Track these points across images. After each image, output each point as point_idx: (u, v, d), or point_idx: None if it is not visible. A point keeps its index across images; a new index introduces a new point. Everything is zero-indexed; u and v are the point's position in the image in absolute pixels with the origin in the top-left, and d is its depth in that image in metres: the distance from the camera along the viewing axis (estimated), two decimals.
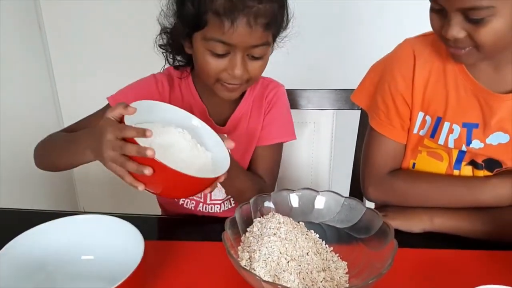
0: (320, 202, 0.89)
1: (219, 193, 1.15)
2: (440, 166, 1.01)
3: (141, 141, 0.71)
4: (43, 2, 1.87)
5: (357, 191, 1.19)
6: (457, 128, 0.95)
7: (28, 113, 1.86)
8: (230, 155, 0.84)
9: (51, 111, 2.04)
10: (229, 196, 1.15)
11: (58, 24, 1.91)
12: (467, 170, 1.00)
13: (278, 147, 1.15)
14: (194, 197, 1.14)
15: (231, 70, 0.92)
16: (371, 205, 1.05)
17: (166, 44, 1.04)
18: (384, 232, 0.80)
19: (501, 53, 0.87)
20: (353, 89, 1.10)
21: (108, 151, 0.74)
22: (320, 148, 1.34)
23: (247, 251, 0.79)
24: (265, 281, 0.67)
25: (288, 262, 0.76)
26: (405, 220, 0.96)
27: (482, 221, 0.93)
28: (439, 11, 0.83)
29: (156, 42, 1.04)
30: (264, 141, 1.12)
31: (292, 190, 0.90)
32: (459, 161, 0.99)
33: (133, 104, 0.77)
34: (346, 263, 0.83)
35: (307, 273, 0.76)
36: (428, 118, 0.98)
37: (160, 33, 1.03)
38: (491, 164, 0.97)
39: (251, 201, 0.86)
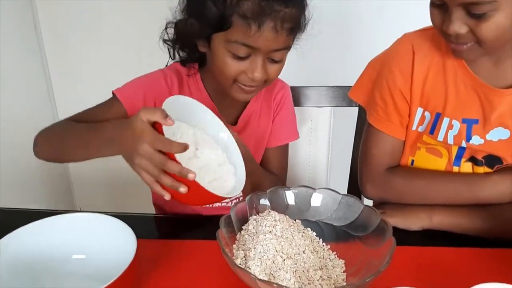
0: (316, 200, 0.89)
1: None
2: (440, 163, 1.00)
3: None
4: (39, 2, 1.86)
5: (355, 189, 1.18)
6: (456, 124, 0.94)
7: (24, 112, 1.85)
8: (246, 147, 0.83)
9: (47, 111, 2.02)
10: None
11: (54, 24, 1.90)
12: (467, 167, 0.99)
13: (287, 146, 1.20)
14: None
15: (251, 73, 0.92)
16: (369, 202, 1.04)
17: (173, 40, 1.02)
18: (382, 229, 0.79)
19: (501, 48, 0.86)
20: (351, 86, 1.10)
21: (142, 160, 0.71)
22: (317, 146, 1.34)
23: (242, 249, 0.78)
24: (260, 280, 0.65)
25: (284, 260, 0.75)
26: (403, 218, 0.95)
27: (482, 218, 0.92)
28: (439, 6, 0.82)
29: (161, 37, 1.02)
30: (274, 142, 1.15)
31: (288, 188, 0.89)
32: (458, 157, 0.98)
33: (170, 99, 0.75)
34: (344, 261, 0.82)
35: (303, 271, 0.76)
36: (427, 114, 0.97)
37: (166, 28, 1.01)
38: (492, 160, 0.96)
39: (247, 198, 0.85)
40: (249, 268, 0.73)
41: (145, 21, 1.75)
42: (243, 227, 0.83)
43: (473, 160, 0.98)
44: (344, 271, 0.79)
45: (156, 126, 0.72)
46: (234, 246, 0.80)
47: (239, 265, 0.71)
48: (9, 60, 1.72)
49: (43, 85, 1.98)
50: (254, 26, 0.86)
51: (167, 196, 0.73)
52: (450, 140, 0.96)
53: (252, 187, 1.01)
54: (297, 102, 1.27)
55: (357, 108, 1.27)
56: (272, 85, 1.11)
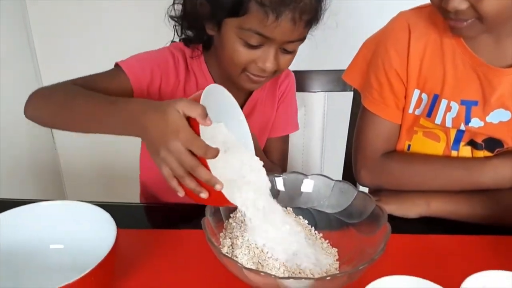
0: (308, 186, 0.86)
1: None
2: (437, 147, 0.98)
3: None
4: (29, 2, 1.82)
5: (350, 176, 1.15)
6: (455, 106, 0.91)
7: (13, 106, 1.81)
8: (253, 134, 0.80)
9: None
10: None
11: (44, 23, 1.86)
12: (466, 151, 0.96)
13: (288, 137, 1.19)
14: None
15: (262, 63, 0.89)
16: (364, 190, 1.01)
17: (180, 16, 0.98)
18: (376, 216, 0.76)
19: (502, 25, 0.83)
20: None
21: (169, 156, 0.65)
22: (311, 132, 1.31)
23: (229, 238, 0.75)
24: (246, 269, 0.62)
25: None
26: (400, 205, 0.93)
27: (481, 204, 0.90)
28: None
29: (167, 12, 0.97)
30: (277, 132, 1.14)
31: (279, 174, 0.86)
32: (457, 141, 0.96)
33: (212, 88, 0.69)
34: (337, 249, 0.79)
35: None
36: (424, 95, 0.94)
37: (174, 3, 0.97)
38: (492, 143, 0.93)
39: None
40: (236, 257, 0.70)
41: (139, 20, 1.74)
42: (231, 215, 0.80)
43: (472, 143, 0.95)
44: (337, 260, 0.76)
45: (191, 122, 0.66)
46: (221, 234, 0.77)
47: (225, 254, 0.68)
48: None
49: (33, 81, 1.94)
50: (272, 15, 0.82)
51: (181, 193, 0.68)
52: (448, 123, 0.93)
53: None
54: None
55: (351, 93, 1.24)
56: None
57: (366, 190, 1.09)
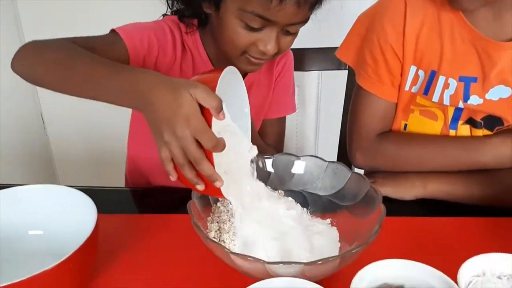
0: (299, 168, 0.83)
1: None
2: (435, 126, 0.96)
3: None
4: (20, 2, 1.79)
5: (345, 159, 1.13)
6: (453, 83, 0.89)
7: (2, 95, 1.79)
8: (254, 124, 0.77)
9: (29, 96, 1.97)
10: None
11: (35, 19, 1.82)
12: (464, 130, 0.95)
13: (285, 119, 1.17)
14: None
15: (263, 45, 0.85)
16: (359, 172, 0.99)
17: None
18: (371, 198, 0.74)
19: None
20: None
21: (174, 142, 0.60)
22: (305, 113, 1.29)
23: (217, 222, 0.72)
24: (234, 254, 0.60)
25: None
26: (396, 187, 0.92)
27: (480, 185, 0.88)
28: None
29: None
30: (274, 113, 1.12)
31: (269, 156, 0.83)
32: (455, 119, 0.94)
33: (230, 71, 0.66)
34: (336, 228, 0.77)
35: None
36: (421, 72, 0.92)
37: None
38: (491, 121, 0.91)
39: None
40: (224, 242, 0.68)
41: (132, 15, 1.69)
42: (219, 199, 0.77)
43: (471, 122, 0.93)
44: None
45: (204, 111, 0.61)
46: (208, 218, 0.74)
47: (212, 239, 0.65)
48: None
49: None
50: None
51: (174, 178, 0.65)
52: (446, 101, 0.91)
53: None
54: None
55: (346, 72, 1.21)
56: None
57: (361, 172, 1.06)
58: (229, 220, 0.71)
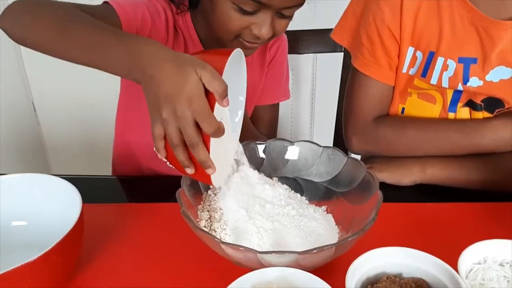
0: (293, 153, 0.82)
1: None
2: (433, 109, 0.94)
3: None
4: None
5: (341, 145, 1.11)
6: (452, 64, 0.87)
7: None
8: (246, 113, 0.75)
9: (19, 85, 1.94)
10: None
11: None
12: (464, 112, 0.93)
13: (278, 105, 1.16)
14: None
15: (257, 29, 0.82)
16: (356, 158, 0.97)
17: None
18: (367, 183, 0.72)
19: None
20: None
21: (172, 120, 0.57)
22: (299, 97, 1.27)
23: (208, 210, 0.70)
24: (224, 243, 0.58)
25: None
26: (393, 172, 0.91)
27: (480, 169, 0.87)
28: None
29: None
30: (266, 100, 1.10)
31: (262, 142, 0.81)
32: (454, 102, 0.92)
33: (238, 54, 0.64)
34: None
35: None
36: (419, 53, 0.90)
37: None
38: (492, 103, 0.90)
39: None
40: (215, 231, 0.67)
41: None
42: (210, 187, 0.75)
43: (470, 104, 0.92)
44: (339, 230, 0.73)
45: (208, 94, 0.59)
46: (199, 207, 0.72)
47: (201, 228, 0.63)
48: None
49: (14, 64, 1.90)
50: None
51: (163, 155, 0.62)
52: (445, 83, 0.89)
53: None
54: None
55: (342, 54, 1.19)
56: None
57: (358, 157, 1.06)
58: (221, 209, 0.69)
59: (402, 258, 0.58)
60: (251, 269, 0.55)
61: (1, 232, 0.71)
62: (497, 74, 0.85)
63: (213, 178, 0.62)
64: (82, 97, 1.95)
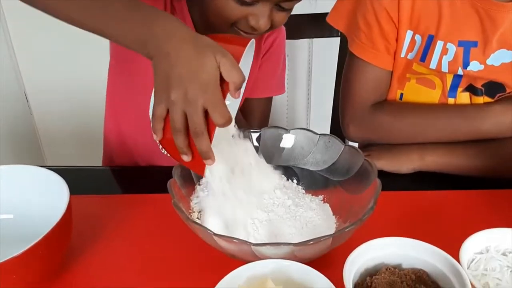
0: (289, 141, 0.80)
1: None
2: (433, 95, 0.93)
3: None
4: None
5: (338, 133, 1.10)
6: (452, 48, 0.86)
7: None
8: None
9: (11, 75, 1.93)
10: None
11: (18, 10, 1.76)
12: (464, 97, 0.92)
13: (270, 100, 1.15)
14: None
15: (255, 21, 0.80)
16: (354, 145, 0.97)
17: None
18: (365, 172, 0.71)
19: None
20: None
21: (179, 103, 0.56)
22: (295, 84, 1.26)
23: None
24: (217, 235, 0.57)
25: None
26: (391, 159, 0.90)
27: (480, 156, 0.87)
28: None
29: None
30: (260, 93, 1.09)
31: (256, 130, 0.80)
32: (454, 87, 0.91)
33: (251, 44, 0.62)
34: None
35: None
36: (417, 37, 0.89)
37: None
38: (493, 88, 0.89)
39: None
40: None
41: None
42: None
43: (471, 89, 0.91)
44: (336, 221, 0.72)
45: (222, 82, 0.58)
46: (192, 198, 0.71)
47: (193, 220, 0.62)
48: None
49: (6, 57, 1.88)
50: None
51: (159, 137, 0.60)
52: (445, 68, 0.88)
53: None
54: None
55: (338, 39, 1.18)
56: None
57: (355, 145, 1.03)
58: (214, 200, 0.67)
59: (401, 248, 0.57)
60: (245, 262, 0.54)
61: None
62: (498, 57, 0.84)
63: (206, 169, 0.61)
64: (75, 87, 1.94)
